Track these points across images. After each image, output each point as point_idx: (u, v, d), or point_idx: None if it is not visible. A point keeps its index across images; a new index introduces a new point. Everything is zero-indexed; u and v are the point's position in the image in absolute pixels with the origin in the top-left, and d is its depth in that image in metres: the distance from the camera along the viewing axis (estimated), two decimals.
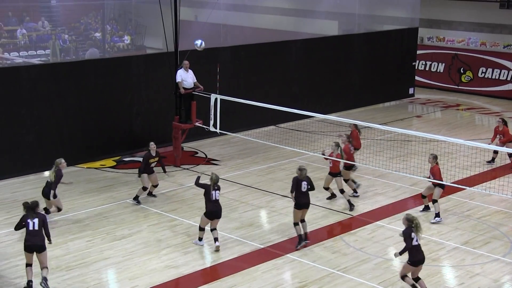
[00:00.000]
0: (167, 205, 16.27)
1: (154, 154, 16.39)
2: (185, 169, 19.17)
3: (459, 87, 30.27)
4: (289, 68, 24.40)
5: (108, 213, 15.74)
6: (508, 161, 19.86)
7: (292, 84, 24.35)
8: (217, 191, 13.83)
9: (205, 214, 13.88)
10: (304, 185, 13.90)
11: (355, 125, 18.35)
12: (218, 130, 18.89)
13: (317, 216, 15.86)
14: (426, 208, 16.22)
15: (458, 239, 14.75)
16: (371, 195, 17.38)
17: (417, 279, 12.03)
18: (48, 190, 14.93)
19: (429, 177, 15.79)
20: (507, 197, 16.34)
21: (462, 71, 30.18)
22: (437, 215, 15.64)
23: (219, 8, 25.50)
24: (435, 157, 15.79)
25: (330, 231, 15.15)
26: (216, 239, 13.90)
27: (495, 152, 19.77)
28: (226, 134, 19.84)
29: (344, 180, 16.72)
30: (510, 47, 28.90)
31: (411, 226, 11.81)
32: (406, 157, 20.29)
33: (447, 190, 17.00)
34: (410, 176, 17.74)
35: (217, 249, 13.81)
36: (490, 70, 29.27)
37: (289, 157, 19.99)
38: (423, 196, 16.18)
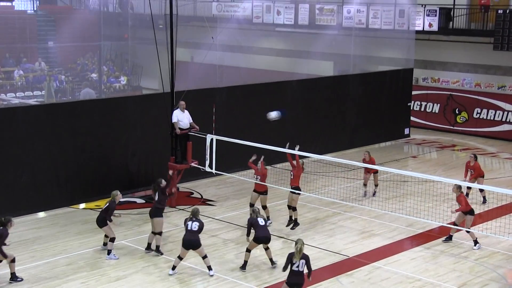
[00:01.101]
0: (163, 246, 16.13)
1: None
2: (180, 209, 19.09)
3: (455, 128, 30.39)
4: (285, 108, 24.43)
5: (103, 254, 15.61)
6: (504, 201, 19.82)
7: (287, 124, 24.38)
8: (194, 222, 14.40)
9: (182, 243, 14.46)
10: (260, 220, 14.77)
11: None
12: (213, 171, 18.87)
13: (313, 257, 15.67)
14: (449, 238, 16.68)
15: (455, 281, 14.64)
16: (367, 236, 17.29)
17: None
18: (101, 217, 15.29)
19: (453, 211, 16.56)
20: (504, 238, 16.28)
21: (457, 112, 30.33)
22: (475, 242, 16.34)
23: (215, 49, 25.73)
24: (459, 187, 16.30)
25: (326, 272, 15.02)
26: (209, 268, 14.57)
27: (469, 188, 19.84)
28: (222, 174, 19.81)
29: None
30: (504, 88, 29.10)
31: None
32: (402, 197, 20.25)
33: (443, 231, 16.98)
34: (406, 216, 17.69)
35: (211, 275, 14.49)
36: (485, 110, 29.42)
37: (284, 198, 19.88)
38: (455, 224, 16.55)
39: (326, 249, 16.31)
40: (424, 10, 28.59)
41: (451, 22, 29.09)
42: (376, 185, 20.48)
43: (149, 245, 15.88)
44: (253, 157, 17.87)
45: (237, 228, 17.66)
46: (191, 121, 19.33)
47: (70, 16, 35.46)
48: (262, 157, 17.83)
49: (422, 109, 31.22)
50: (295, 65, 32.35)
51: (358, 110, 27.00)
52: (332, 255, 15.96)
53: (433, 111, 31.01)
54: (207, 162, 18.82)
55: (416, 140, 29.08)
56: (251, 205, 17.50)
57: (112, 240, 15.50)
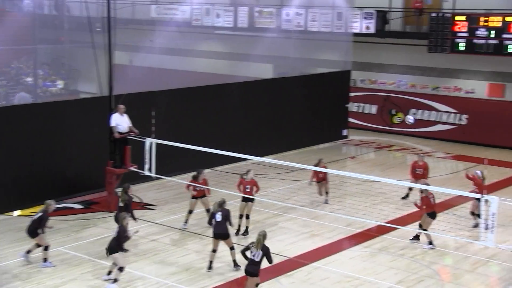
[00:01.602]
0: (101, 252, 15.94)
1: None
2: None
3: (391, 128, 30.96)
4: (225, 111, 24.53)
5: (39, 262, 15.33)
6: (438, 199, 20.23)
7: (227, 127, 24.44)
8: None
9: None
10: (217, 216, 14.87)
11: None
12: (153, 175, 18.76)
13: None
14: (416, 238, 16.89)
15: (392, 278, 14.93)
16: (307, 236, 17.46)
17: None
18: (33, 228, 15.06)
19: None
20: (438, 235, 16.68)
21: (393, 113, 30.91)
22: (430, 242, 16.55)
23: (154, 52, 25.59)
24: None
25: (266, 274, 15.08)
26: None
27: (410, 188, 20.19)
28: (162, 178, 19.71)
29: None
30: (438, 89, 29.80)
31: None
32: (341, 198, 20.53)
33: (381, 230, 17.30)
34: (345, 217, 17.94)
35: None
36: (420, 111, 30.07)
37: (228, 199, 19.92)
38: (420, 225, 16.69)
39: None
40: (361, 13, 29.04)
41: (387, 25, 29.62)
42: (327, 193, 20.31)
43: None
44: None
45: (177, 231, 17.60)
46: (130, 125, 19.17)
47: (3, 19, 34.62)
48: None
49: (360, 111, 31.71)
50: (235, 67, 32.40)
51: (297, 112, 27.22)
52: (273, 256, 16.02)
53: (371, 112, 31.53)
54: (147, 166, 18.69)
55: (354, 141, 29.51)
56: (207, 210, 17.73)
57: (46, 248, 15.19)
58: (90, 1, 24.82)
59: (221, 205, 15.02)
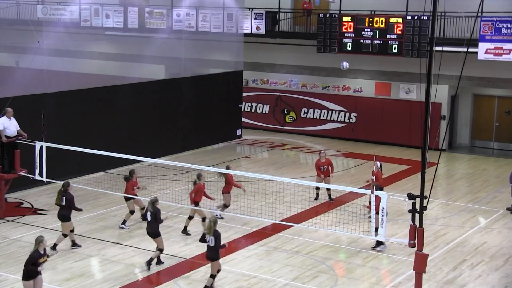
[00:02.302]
0: None
1: None
2: (9, 221, 18.31)
3: (284, 127, 31.48)
4: (117, 113, 24.19)
5: None
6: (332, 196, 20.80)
7: (120, 129, 24.12)
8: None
9: None
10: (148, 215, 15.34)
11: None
12: (44, 179, 18.28)
13: None
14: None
15: (288, 275, 15.20)
16: None
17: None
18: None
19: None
20: (331, 231, 17.12)
21: (286, 112, 31.44)
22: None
23: (41, 54, 24.83)
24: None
25: (164, 276, 15.05)
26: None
27: (318, 188, 20.65)
28: (54, 182, 19.20)
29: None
30: (328, 88, 30.55)
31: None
32: (237, 197, 20.63)
33: (276, 228, 17.57)
34: (240, 216, 18.10)
35: None
36: (311, 110, 30.73)
37: (119, 203, 19.67)
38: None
39: (163, 252, 16.29)
40: (252, 14, 29.34)
41: (277, 25, 30.07)
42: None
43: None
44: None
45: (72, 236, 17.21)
46: (18, 128, 18.65)
47: None
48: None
49: (253, 110, 32.05)
50: (126, 69, 31.96)
51: (191, 113, 27.22)
52: (169, 258, 16.00)
53: (263, 111, 31.93)
54: (37, 170, 18.20)
55: (248, 140, 29.80)
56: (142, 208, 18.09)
57: None
58: None
59: (153, 203, 15.36)
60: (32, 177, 18.49)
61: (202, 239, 14.17)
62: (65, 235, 16.27)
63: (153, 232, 15.39)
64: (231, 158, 26.33)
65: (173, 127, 26.55)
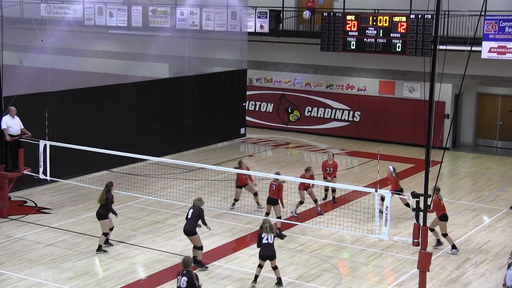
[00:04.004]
0: None
1: None
2: (13, 219, 18.34)
3: (288, 126, 31.46)
4: (121, 112, 24.21)
5: None
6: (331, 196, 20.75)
7: (124, 128, 24.14)
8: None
9: None
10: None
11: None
12: (48, 177, 18.29)
13: (154, 260, 15.75)
14: (439, 243, 16.75)
15: (292, 274, 15.19)
16: (207, 235, 17.44)
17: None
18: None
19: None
20: (335, 230, 17.11)
21: (290, 111, 31.42)
22: (453, 246, 16.42)
23: (45, 52, 24.86)
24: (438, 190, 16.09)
25: (168, 275, 15.04)
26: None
27: (327, 189, 20.61)
28: (57, 181, 19.25)
29: None
30: (332, 87, 30.52)
31: (262, 228, 14.26)
32: (240, 196, 20.65)
33: (280, 227, 17.55)
34: (244, 215, 18.10)
35: None
36: (315, 109, 30.71)
37: (123, 202, 19.72)
38: (431, 230, 16.17)
39: (167, 251, 16.34)
40: (255, 12, 29.32)
41: (281, 24, 30.05)
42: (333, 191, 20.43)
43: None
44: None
45: (75, 235, 17.24)
46: (22, 127, 18.66)
47: None
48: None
49: (257, 109, 32.03)
50: (130, 67, 32.00)
51: (194, 111, 27.22)
52: (173, 256, 16.01)
53: (267, 110, 31.91)
54: (41, 169, 18.21)
55: (252, 139, 29.78)
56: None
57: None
58: None
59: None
60: (36, 176, 18.51)
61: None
62: (105, 234, 16.14)
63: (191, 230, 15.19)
64: (235, 157, 26.29)
65: (176, 126, 26.56)
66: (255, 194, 19.50)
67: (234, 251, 16.45)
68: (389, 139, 28.90)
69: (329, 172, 20.31)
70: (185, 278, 11.87)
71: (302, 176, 18.30)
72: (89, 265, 15.43)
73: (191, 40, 30.42)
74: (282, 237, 16.65)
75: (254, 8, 29.38)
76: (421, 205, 12.76)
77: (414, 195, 12.82)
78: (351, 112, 29.90)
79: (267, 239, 14.16)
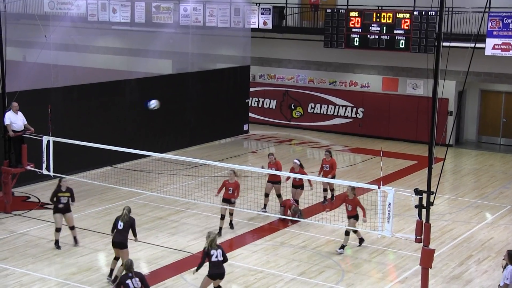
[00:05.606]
0: None
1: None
2: (16, 215, 18.37)
3: (291, 123, 31.45)
4: (124, 108, 24.21)
5: None
6: (337, 192, 20.73)
7: (127, 124, 24.15)
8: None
9: None
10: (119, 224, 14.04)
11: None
12: (51, 173, 18.31)
13: (157, 256, 15.77)
14: (361, 241, 16.71)
15: (295, 270, 15.20)
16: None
17: None
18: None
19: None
20: (338, 226, 17.11)
21: (293, 107, 31.40)
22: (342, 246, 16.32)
23: (48, 48, 24.89)
24: (353, 189, 16.30)
25: (170, 270, 15.07)
26: None
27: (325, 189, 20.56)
28: (60, 176, 19.22)
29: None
30: (335, 83, 30.50)
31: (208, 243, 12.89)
32: (243, 192, 20.56)
33: (283, 223, 17.56)
34: (247, 211, 18.10)
35: None
36: (318, 105, 30.70)
37: (126, 198, 19.73)
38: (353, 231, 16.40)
39: (170, 247, 16.35)
40: (259, 9, 29.29)
41: (284, 20, 30.03)
42: (332, 189, 20.33)
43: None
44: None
45: (78, 231, 17.20)
46: (25, 122, 18.69)
47: None
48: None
49: (260, 105, 32.03)
50: (133, 63, 32.00)
51: (198, 108, 27.21)
52: (176, 252, 16.03)
53: (270, 107, 31.90)
54: (44, 165, 18.23)
55: (255, 135, 29.78)
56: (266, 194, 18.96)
57: None
58: None
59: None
60: (39, 172, 18.53)
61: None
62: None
63: (122, 243, 14.07)
64: (238, 153, 26.34)
65: (180, 122, 26.56)
66: (279, 196, 19.13)
67: (237, 247, 16.44)
68: (392, 136, 28.89)
69: (326, 169, 20.19)
70: (136, 279, 11.85)
71: (291, 171, 18.22)
72: (92, 261, 15.46)
73: (194, 36, 30.41)
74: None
75: (258, 4, 29.36)
76: (424, 202, 12.74)
77: (417, 192, 12.81)
78: (354, 109, 29.88)
79: (216, 256, 12.90)
